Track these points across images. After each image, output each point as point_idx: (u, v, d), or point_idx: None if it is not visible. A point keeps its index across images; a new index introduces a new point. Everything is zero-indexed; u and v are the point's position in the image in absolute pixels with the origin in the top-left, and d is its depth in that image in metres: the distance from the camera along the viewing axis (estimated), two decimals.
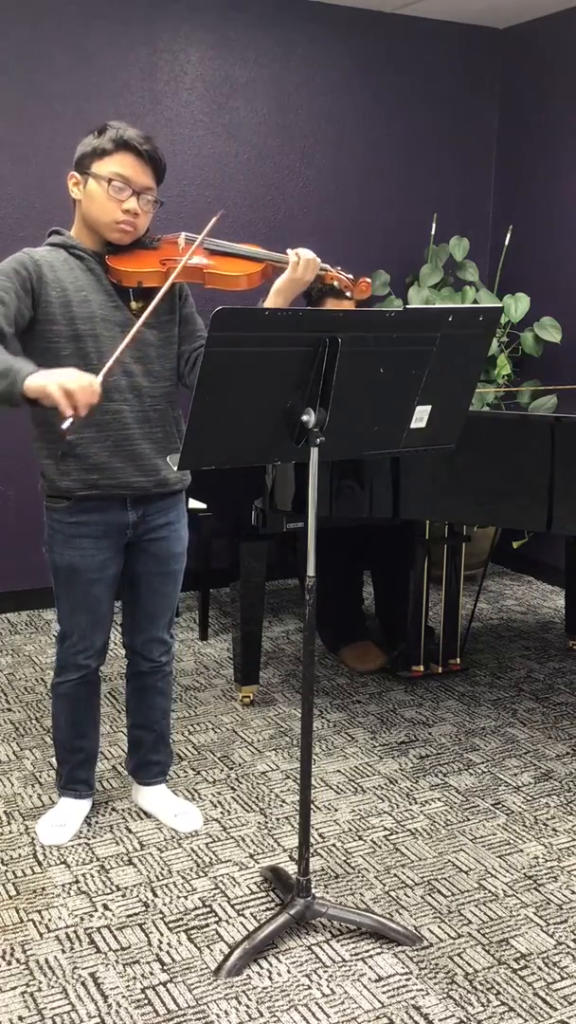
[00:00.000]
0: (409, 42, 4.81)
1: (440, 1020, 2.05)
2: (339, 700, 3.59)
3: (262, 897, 2.45)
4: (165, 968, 2.19)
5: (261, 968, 2.19)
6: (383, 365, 2.13)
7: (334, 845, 2.68)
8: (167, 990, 2.13)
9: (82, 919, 2.36)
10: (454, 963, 2.22)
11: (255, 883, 2.50)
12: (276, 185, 4.66)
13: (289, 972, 2.18)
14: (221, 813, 2.82)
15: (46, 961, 2.21)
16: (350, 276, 2.54)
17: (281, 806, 2.86)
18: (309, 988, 2.13)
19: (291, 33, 4.56)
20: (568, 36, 4.65)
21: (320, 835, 2.72)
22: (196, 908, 2.40)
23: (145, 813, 2.81)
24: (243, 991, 2.12)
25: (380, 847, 2.67)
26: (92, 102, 4.20)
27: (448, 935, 2.32)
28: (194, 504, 3.80)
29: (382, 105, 4.82)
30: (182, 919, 2.36)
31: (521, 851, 2.66)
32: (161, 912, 2.39)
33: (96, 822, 2.76)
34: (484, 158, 5.12)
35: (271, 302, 2.39)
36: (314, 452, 2.12)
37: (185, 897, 2.44)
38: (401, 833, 2.74)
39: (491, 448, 3.01)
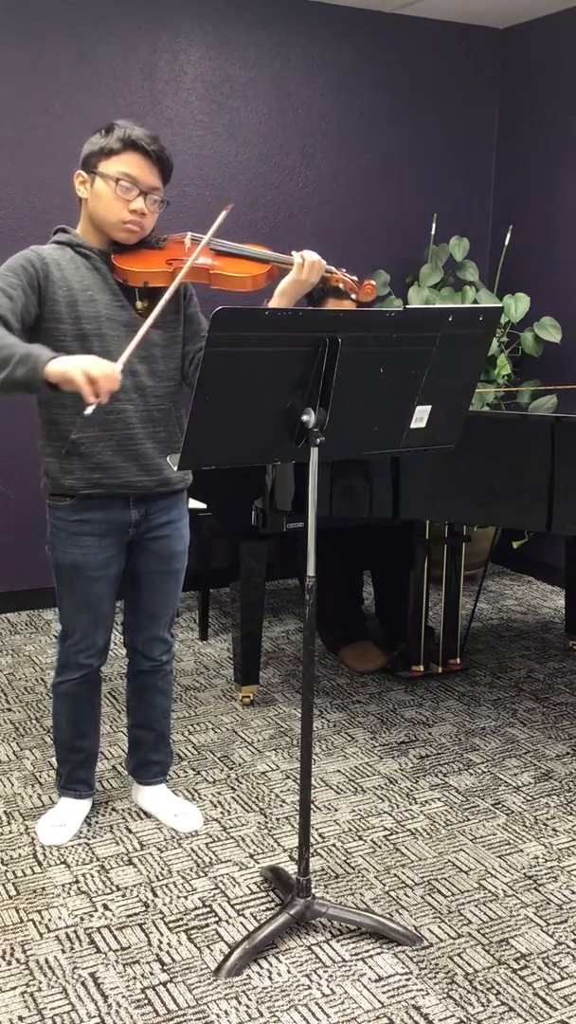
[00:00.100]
0: (409, 42, 4.81)
1: (440, 1020, 2.05)
2: (339, 700, 3.59)
3: (262, 897, 2.45)
4: (165, 968, 2.19)
5: (261, 968, 2.19)
6: (383, 365, 2.13)
7: (334, 845, 2.68)
8: (167, 990, 2.13)
9: (82, 919, 2.36)
10: (454, 963, 2.22)
11: (255, 883, 2.50)
12: (276, 185, 4.66)
13: (289, 972, 2.18)
14: (221, 813, 2.82)
15: (46, 961, 2.21)
16: (355, 278, 2.54)
17: (281, 806, 2.86)
18: (309, 988, 2.13)
19: (291, 33, 4.56)
20: (568, 36, 4.65)
21: (320, 835, 2.72)
22: (196, 908, 2.40)
23: (145, 813, 2.81)
24: (243, 991, 2.12)
25: (380, 847, 2.67)
26: (92, 102, 4.20)
27: (448, 935, 2.32)
28: (194, 504, 3.79)
29: (382, 105, 4.82)
30: (182, 919, 2.36)
31: (521, 851, 2.66)
32: (161, 912, 2.39)
33: (96, 822, 2.76)
34: (484, 158, 5.12)
35: (275, 303, 2.39)
36: (314, 452, 2.13)
37: (185, 897, 2.44)
38: (401, 833, 2.74)
39: (491, 448, 3.01)
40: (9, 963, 2.20)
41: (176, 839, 2.69)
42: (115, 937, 2.29)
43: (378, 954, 2.24)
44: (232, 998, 2.10)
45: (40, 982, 2.14)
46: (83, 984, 2.14)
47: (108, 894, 2.45)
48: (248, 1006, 2.08)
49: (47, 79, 4.14)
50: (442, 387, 2.25)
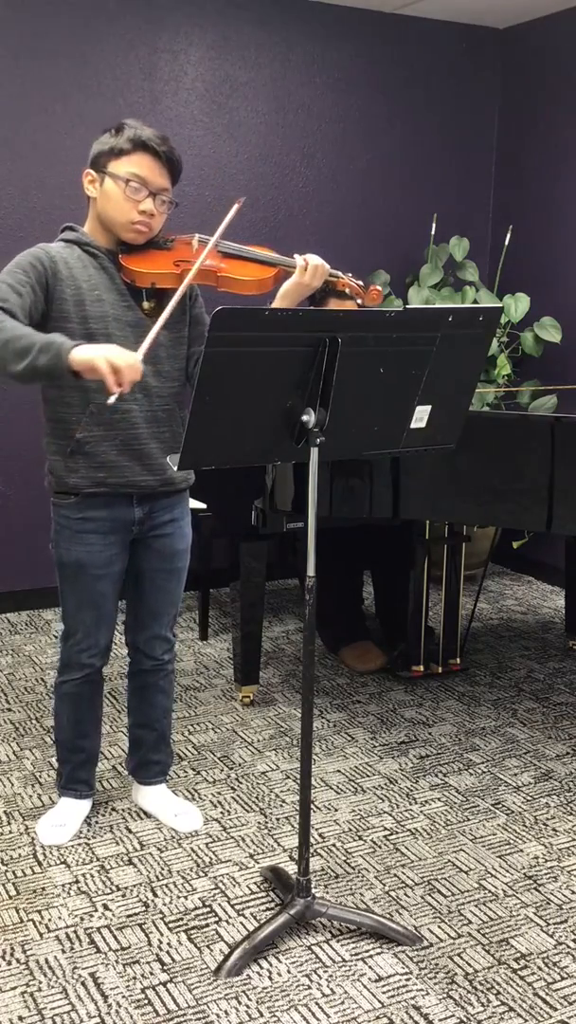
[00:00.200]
0: (409, 42, 4.81)
1: (440, 1020, 2.05)
2: (339, 700, 3.59)
3: (262, 897, 2.45)
4: (165, 968, 2.19)
5: (261, 968, 2.19)
6: (383, 365, 2.13)
7: (334, 845, 2.68)
8: (167, 990, 2.13)
9: (82, 919, 2.36)
10: (454, 963, 2.22)
11: (255, 883, 2.50)
12: (276, 185, 4.66)
13: (289, 972, 2.18)
14: (221, 813, 2.82)
15: (46, 961, 2.21)
16: (360, 283, 2.54)
17: (281, 806, 2.86)
18: (309, 988, 2.13)
19: (291, 33, 4.56)
20: (568, 36, 4.65)
21: (320, 835, 2.72)
22: (196, 908, 2.40)
23: (145, 813, 2.81)
24: (243, 991, 2.12)
25: (380, 847, 2.67)
26: (92, 102, 4.20)
27: (448, 935, 2.32)
28: (194, 504, 3.79)
29: (382, 105, 4.82)
30: (182, 919, 2.36)
31: (521, 851, 2.66)
32: (161, 912, 2.39)
33: (96, 822, 2.76)
34: (484, 158, 5.12)
35: (277, 305, 2.39)
36: (314, 452, 2.13)
37: (185, 897, 2.44)
38: (401, 833, 2.74)
39: (491, 448, 3.01)
40: (9, 963, 2.20)
41: (176, 839, 2.69)
42: (115, 937, 2.29)
43: (378, 954, 2.24)
44: (232, 998, 2.10)
45: (40, 982, 2.14)
46: (83, 984, 2.14)
47: (108, 894, 2.45)
48: (248, 1006, 2.08)
49: (47, 79, 4.14)
50: (442, 387, 2.25)
